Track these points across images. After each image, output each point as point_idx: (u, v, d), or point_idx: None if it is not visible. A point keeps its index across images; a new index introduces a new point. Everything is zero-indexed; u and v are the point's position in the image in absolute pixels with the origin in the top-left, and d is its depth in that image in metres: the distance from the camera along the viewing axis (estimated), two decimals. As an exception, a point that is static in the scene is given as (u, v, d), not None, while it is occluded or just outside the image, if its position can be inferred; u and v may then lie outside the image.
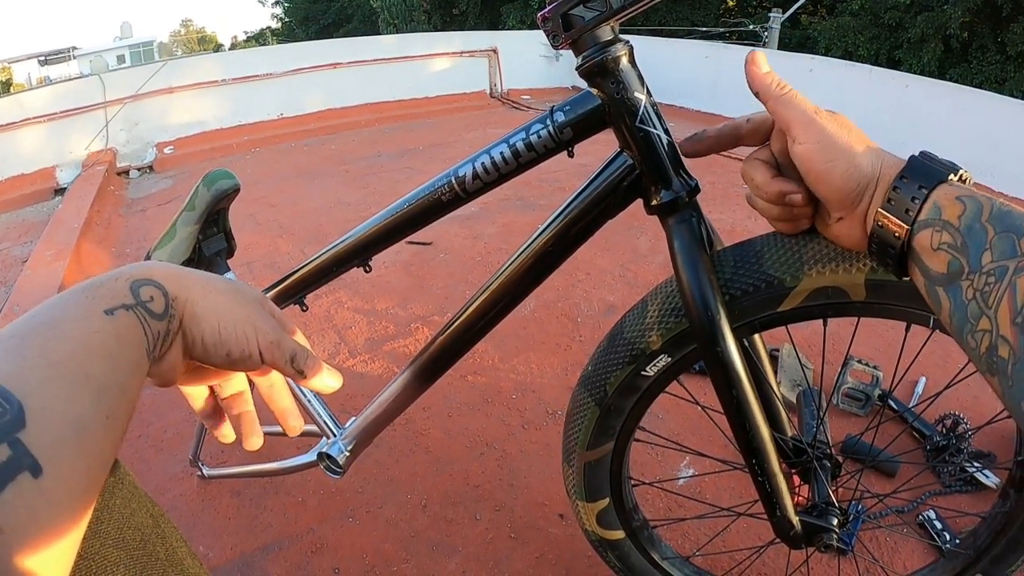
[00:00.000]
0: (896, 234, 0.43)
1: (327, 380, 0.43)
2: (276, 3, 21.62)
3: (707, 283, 0.57)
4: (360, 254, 0.78)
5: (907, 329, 0.59)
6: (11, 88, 22.83)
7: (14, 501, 0.25)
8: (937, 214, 0.41)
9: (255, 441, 0.46)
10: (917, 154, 0.45)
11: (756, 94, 0.50)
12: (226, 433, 0.47)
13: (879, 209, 0.44)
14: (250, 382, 0.48)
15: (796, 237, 0.56)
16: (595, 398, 0.71)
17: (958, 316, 0.39)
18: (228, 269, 0.96)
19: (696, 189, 0.59)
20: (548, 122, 0.62)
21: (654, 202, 0.59)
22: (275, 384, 0.46)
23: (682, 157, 0.59)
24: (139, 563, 0.37)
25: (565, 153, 0.64)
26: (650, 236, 2.32)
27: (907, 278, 0.46)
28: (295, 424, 0.47)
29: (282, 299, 0.87)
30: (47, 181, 3.64)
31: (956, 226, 0.40)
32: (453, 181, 0.68)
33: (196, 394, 0.45)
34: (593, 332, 1.75)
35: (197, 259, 0.92)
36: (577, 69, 0.59)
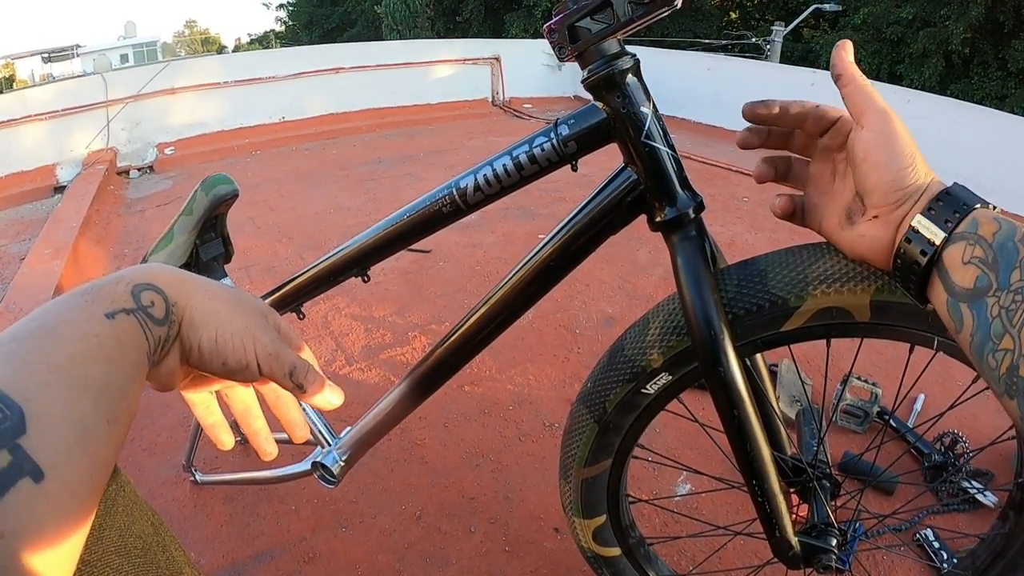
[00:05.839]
0: (930, 241, 0.43)
1: (328, 397, 0.42)
2: (280, 6, 21.73)
3: (710, 302, 0.56)
4: (359, 263, 0.78)
5: (911, 351, 0.58)
6: (14, 84, 22.86)
7: (15, 506, 0.25)
8: (974, 228, 0.42)
9: (270, 452, 0.48)
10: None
11: (838, 77, 0.50)
12: (225, 440, 0.47)
13: (919, 215, 0.44)
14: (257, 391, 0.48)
15: (802, 256, 0.55)
16: (594, 415, 0.70)
17: (980, 334, 0.40)
18: (225, 274, 0.95)
19: (701, 206, 0.59)
20: (552, 135, 0.62)
21: (658, 219, 0.58)
22: (282, 396, 0.46)
23: (686, 175, 0.59)
24: (141, 571, 0.37)
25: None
26: (650, 248, 2.32)
27: (911, 296, 0.45)
28: (301, 434, 0.48)
29: (278, 307, 0.86)
30: (47, 179, 3.63)
31: (989, 241, 0.40)
32: (454, 192, 0.67)
33: (198, 401, 0.45)
34: (591, 344, 1.74)
35: (194, 264, 0.91)
36: (583, 82, 0.58)
